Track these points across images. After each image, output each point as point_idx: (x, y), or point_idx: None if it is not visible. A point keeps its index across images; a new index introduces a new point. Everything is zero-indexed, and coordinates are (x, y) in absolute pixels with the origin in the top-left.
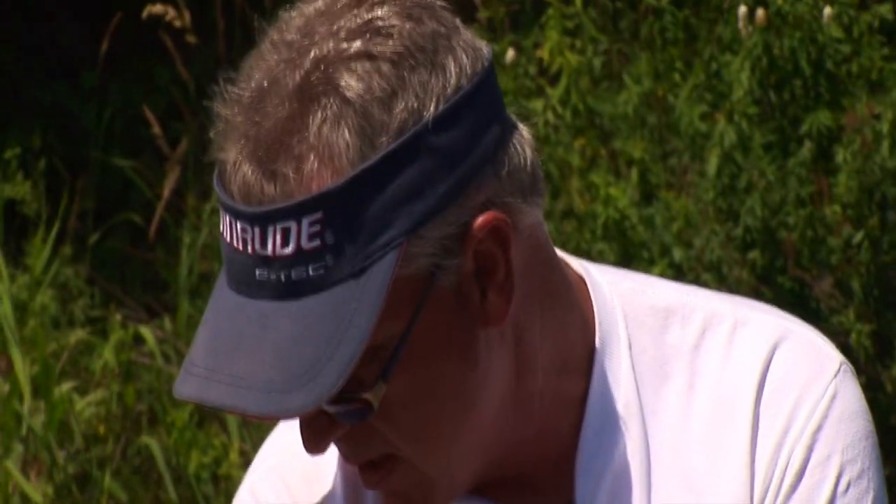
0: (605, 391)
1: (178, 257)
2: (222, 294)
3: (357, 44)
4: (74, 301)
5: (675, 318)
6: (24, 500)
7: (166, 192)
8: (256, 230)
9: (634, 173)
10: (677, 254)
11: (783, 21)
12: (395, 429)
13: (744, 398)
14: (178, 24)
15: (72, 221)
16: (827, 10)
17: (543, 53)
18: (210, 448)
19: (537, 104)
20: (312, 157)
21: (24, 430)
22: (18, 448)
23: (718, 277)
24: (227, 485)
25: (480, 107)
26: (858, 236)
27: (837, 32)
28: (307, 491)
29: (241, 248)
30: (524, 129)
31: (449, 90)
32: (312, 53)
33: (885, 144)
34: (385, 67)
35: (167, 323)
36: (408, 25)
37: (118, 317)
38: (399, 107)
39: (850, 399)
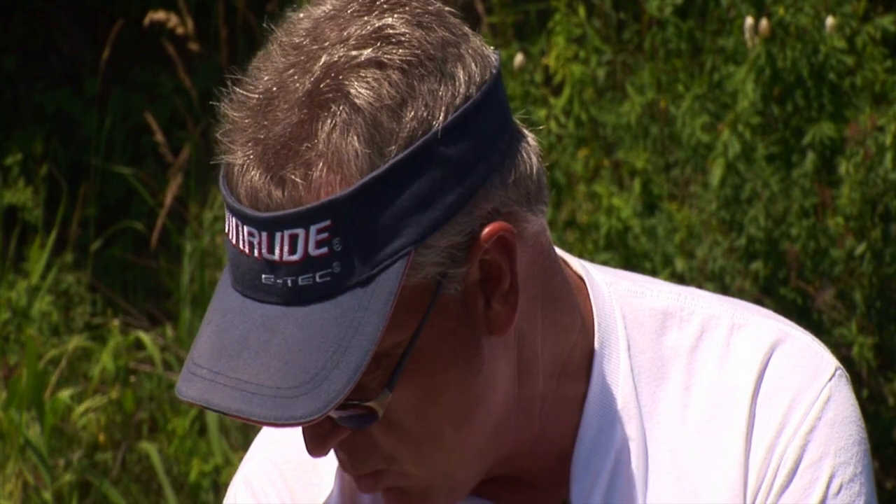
0: (603, 392)
1: (180, 265)
2: (227, 294)
3: (367, 51)
4: (75, 308)
5: (673, 321)
6: None
7: (168, 200)
8: (264, 235)
9: (637, 184)
10: (680, 264)
11: (786, 32)
12: (398, 435)
13: (740, 400)
14: (180, 31)
15: (73, 228)
16: (829, 21)
17: (550, 61)
18: (211, 456)
19: (541, 113)
20: (321, 164)
21: (21, 439)
22: (16, 456)
23: (721, 288)
24: None
25: (488, 115)
26: (861, 248)
27: (840, 43)
28: (303, 482)
29: (247, 251)
30: (530, 137)
31: (458, 99)
32: (322, 59)
33: (888, 156)
34: (395, 76)
35: (169, 331)
36: (418, 33)
37: (115, 322)
38: (408, 115)
39: (843, 404)
